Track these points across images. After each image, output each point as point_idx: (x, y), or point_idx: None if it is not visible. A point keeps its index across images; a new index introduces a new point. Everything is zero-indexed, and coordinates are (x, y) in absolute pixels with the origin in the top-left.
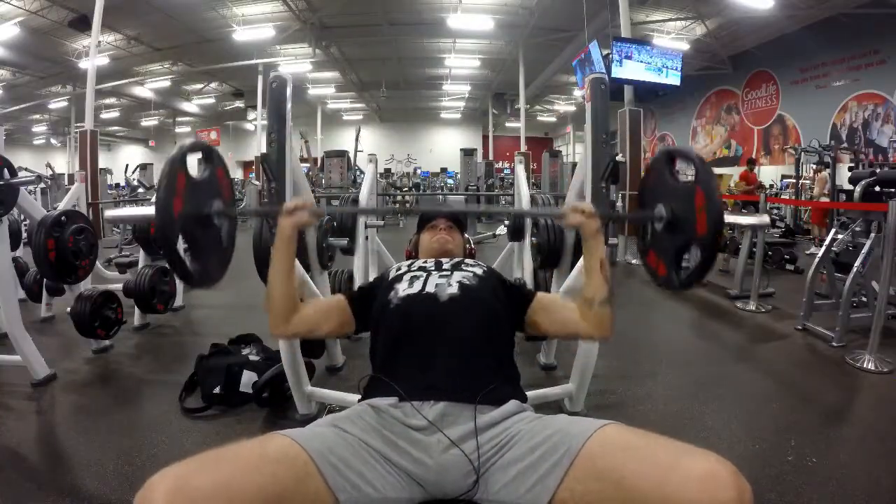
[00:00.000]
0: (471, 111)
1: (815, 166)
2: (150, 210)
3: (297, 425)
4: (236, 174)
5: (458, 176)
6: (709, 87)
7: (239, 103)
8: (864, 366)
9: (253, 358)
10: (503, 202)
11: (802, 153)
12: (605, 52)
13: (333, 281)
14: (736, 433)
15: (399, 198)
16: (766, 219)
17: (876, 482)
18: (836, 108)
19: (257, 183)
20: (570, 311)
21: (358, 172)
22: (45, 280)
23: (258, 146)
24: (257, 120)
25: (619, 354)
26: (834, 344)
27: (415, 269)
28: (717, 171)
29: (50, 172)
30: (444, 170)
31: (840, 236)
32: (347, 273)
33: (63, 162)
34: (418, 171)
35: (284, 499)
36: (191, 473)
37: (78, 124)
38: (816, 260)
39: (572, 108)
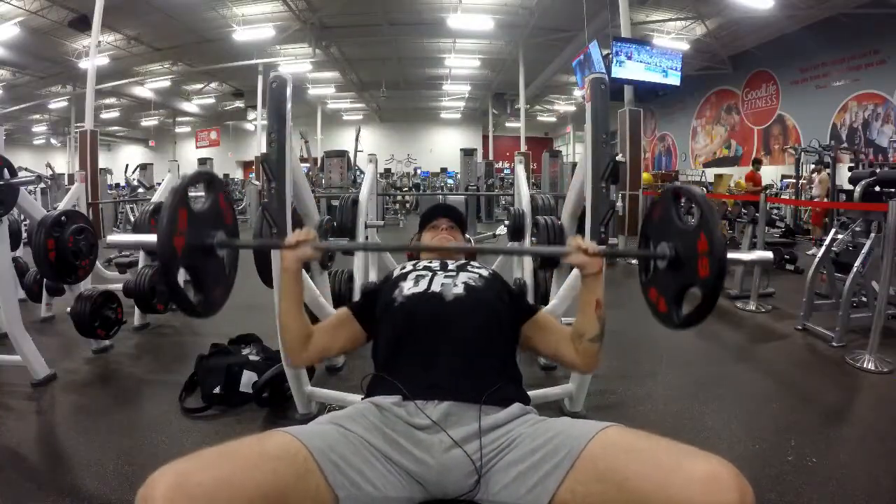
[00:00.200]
0: (471, 111)
1: (813, 166)
2: (152, 237)
3: (298, 425)
4: (236, 174)
5: (458, 176)
6: (709, 87)
7: (239, 103)
8: (864, 366)
9: (253, 358)
10: (503, 202)
11: (802, 153)
12: (605, 52)
13: (333, 281)
14: (736, 433)
15: (399, 198)
16: (769, 255)
17: (876, 482)
18: (836, 108)
19: (257, 183)
20: (564, 337)
21: (358, 172)
22: (45, 280)
23: (258, 146)
24: (257, 120)
25: (619, 354)
26: (834, 344)
27: (420, 268)
28: (717, 171)
29: (50, 172)
30: (444, 170)
31: (840, 236)
32: (347, 273)
33: (63, 162)
34: (418, 171)
35: (285, 495)
36: (191, 470)
37: (78, 124)
38: (816, 260)
39: (572, 108)
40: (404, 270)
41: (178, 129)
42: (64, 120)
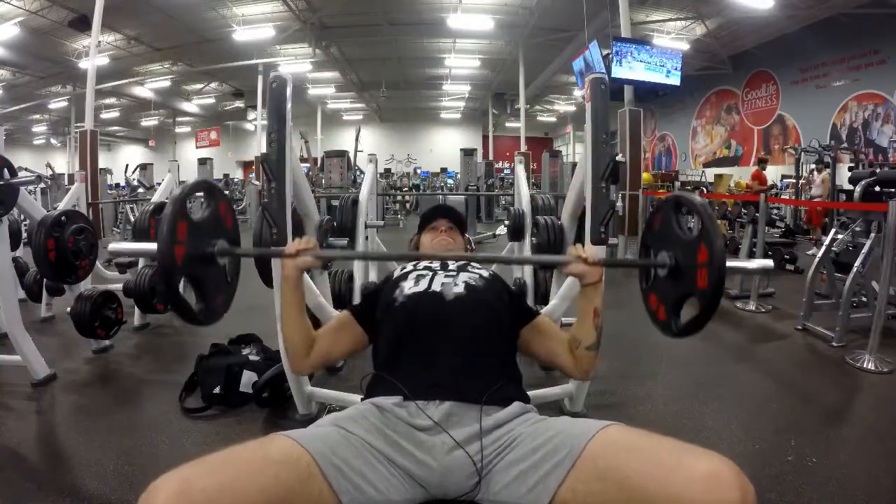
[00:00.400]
0: (471, 111)
1: (813, 165)
2: (153, 246)
3: (298, 426)
4: (236, 174)
5: (458, 176)
6: (709, 87)
7: (239, 103)
8: (864, 366)
9: (253, 358)
10: (503, 202)
11: (802, 153)
12: (605, 52)
13: (333, 281)
14: (736, 433)
15: (399, 198)
16: (769, 263)
17: (876, 482)
18: (836, 108)
19: (257, 183)
20: (561, 343)
21: (358, 172)
22: (45, 280)
23: (258, 146)
24: (257, 120)
25: (619, 354)
26: (834, 344)
27: (421, 268)
28: (717, 171)
29: (50, 172)
30: (444, 170)
31: (840, 236)
32: (347, 273)
33: (63, 162)
34: (418, 171)
35: (287, 500)
36: (193, 476)
37: (78, 124)
38: (816, 260)
39: (572, 108)
40: (405, 270)
41: (178, 129)
42: (64, 120)
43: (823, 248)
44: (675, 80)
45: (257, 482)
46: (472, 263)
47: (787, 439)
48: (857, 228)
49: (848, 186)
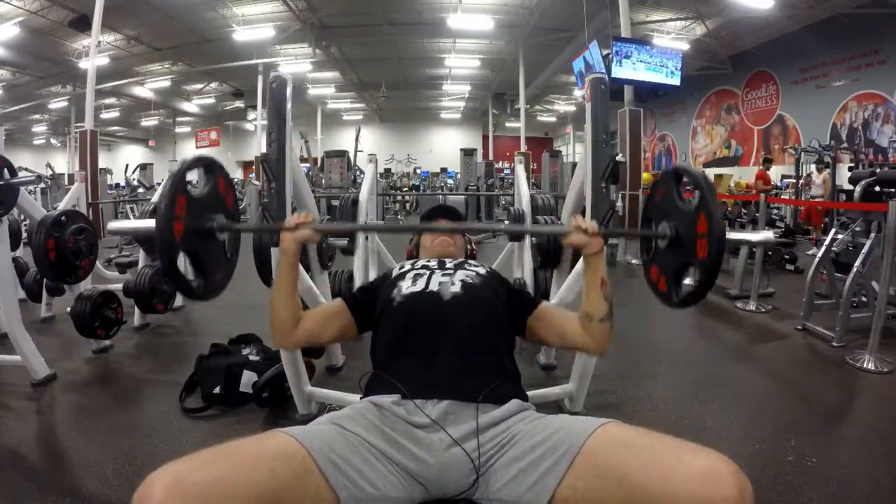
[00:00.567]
0: (471, 111)
1: (814, 166)
2: (152, 222)
3: (297, 425)
4: (236, 174)
5: (458, 176)
6: (709, 87)
7: (239, 103)
8: (864, 366)
9: (253, 358)
10: (503, 202)
11: (802, 153)
12: (605, 52)
13: (333, 281)
14: (736, 433)
15: (399, 198)
16: (769, 235)
17: (876, 482)
18: (836, 108)
19: (257, 183)
20: (571, 323)
21: (358, 172)
22: (45, 280)
23: (258, 146)
24: (257, 120)
25: (619, 354)
26: (834, 344)
27: (418, 267)
28: (717, 171)
29: (50, 172)
30: (444, 170)
31: (840, 236)
32: (347, 273)
33: (63, 162)
34: (418, 171)
35: (283, 495)
36: (188, 470)
37: (78, 124)
38: (816, 260)
39: (572, 108)
40: (403, 270)
41: (178, 129)
42: (64, 120)
43: (823, 248)
44: (675, 80)
45: (251, 477)
46: (470, 261)
47: (787, 439)
48: (857, 228)
49: (848, 186)
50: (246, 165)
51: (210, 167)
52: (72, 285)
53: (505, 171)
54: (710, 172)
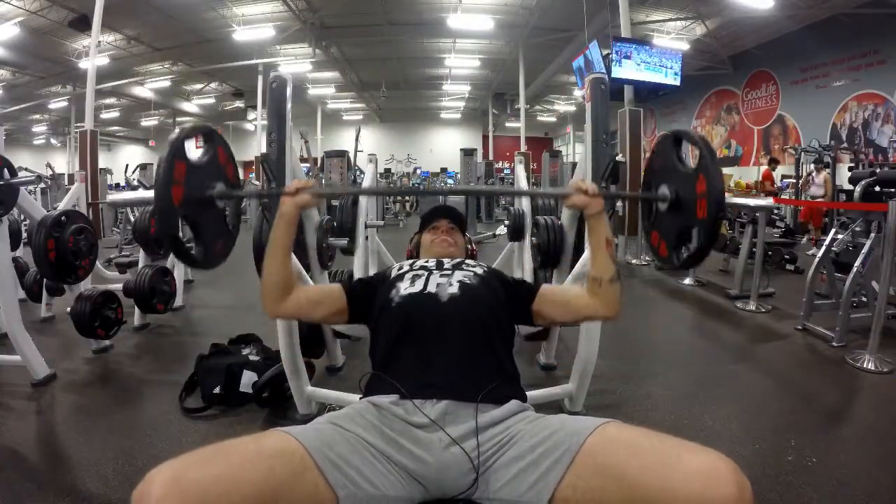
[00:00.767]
0: (471, 111)
1: (813, 165)
2: (151, 193)
3: (297, 425)
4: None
5: (458, 176)
6: (709, 87)
7: (239, 103)
8: (864, 366)
9: (253, 358)
10: (503, 202)
11: (802, 153)
12: (605, 52)
13: (333, 281)
14: (736, 433)
15: (399, 198)
16: (770, 201)
17: (876, 482)
18: (836, 108)
19: (257, 183)
20: (576, 295)
21: (358, 172)
22: (45, 280)
23: (258, 146)
24: (257, 120)
25: (619, 354)
26: (834, 344)
27: (417, 268)
28: None
29: (50, 172)
30: (444, 170)
31: (840, 236)
32: (347, 273)
33: (63, 162)
34: (418, 171)
35: (281, 493)
36: (188, 466)
37: (78, 124)
38: (816, 260)
39: (572, 108)
40: (402, 270)
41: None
42: (64, 120)
43: (823, 247)
44: (675, 80)
45: (250, 474)
46: (468, 261)
47: (787, 439)
48: (857, 228)
49: (848, 186)
50: (246, 165)
51: (209, 136)
52: (72, 285)
53: (505, 171)
54: None
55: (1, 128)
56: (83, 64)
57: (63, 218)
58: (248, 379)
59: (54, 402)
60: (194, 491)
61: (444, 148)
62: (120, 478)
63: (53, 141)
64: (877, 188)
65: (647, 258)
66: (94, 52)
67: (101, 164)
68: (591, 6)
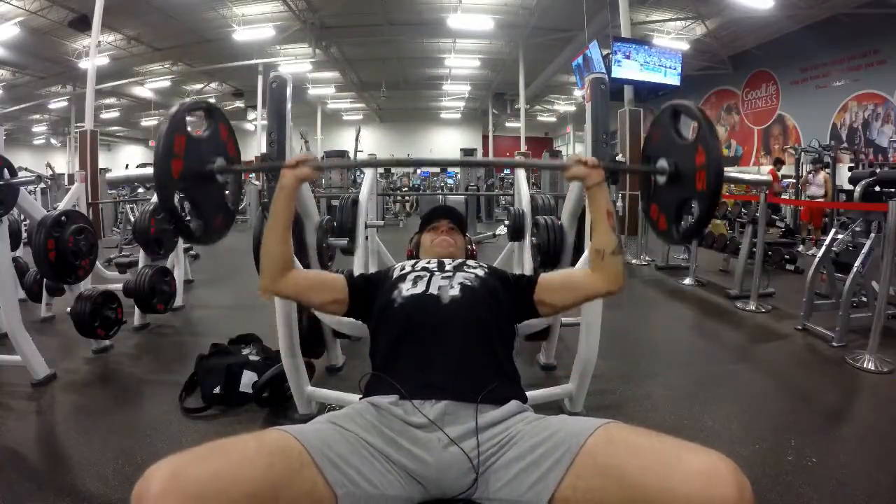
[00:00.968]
0: (471, 111)
1: (811, 166)
2: (150, 170)
3: (297, 424)
4: None
5: (458, 176)
6: (709, 87)
7: (239, 103)
8: (864, 366)
9: (253, 358)
10: (503, 202)
11: (802, 153)
12: (605, 52)
13: None
14: (736, 433)
15: (399, 198)
16: (768, 177)
17: (876, 482)
18: (836, 108)
19: (257, 183)
20: (576, 275)
21: (358, 172)
22: (45, 280)
23: (258, 146)
24: (257, 120)
25: (619, 354)
26: (834, 344)
27: (418, 269)
28: None
29: (50, 172)
30: (444, 170)
31: (840, 236)
32: (348, 272)
33: (63, 162)
34: (418, 172)
35: (280, 490)
36: (187, 463)
37: (78, 124)
38: (816, 260)
39: (572, 108)
40: (403, 271)
41: None
42: (64, 120)
43: (823, 247)
44: (674, 79)
45: (249, 471)
46: (469, 262)
47: (787, 439)
48: (857, 228)
49: (848, 186)
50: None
51: (211, 111)
52: (72, 285)
53: (505, 171)
54: None
55: (1, 128)
56: (83, 64)
57: (63, 218)
58: (248, 379)
59: (54, 402)
60: (193, 487)
61: (444, 148)
62: (120, 478)
63: (53, 141)
64: (877, 188)
65: (648, 258)
66: (94, 52)
67: (101, 164)
68: (591, 6)
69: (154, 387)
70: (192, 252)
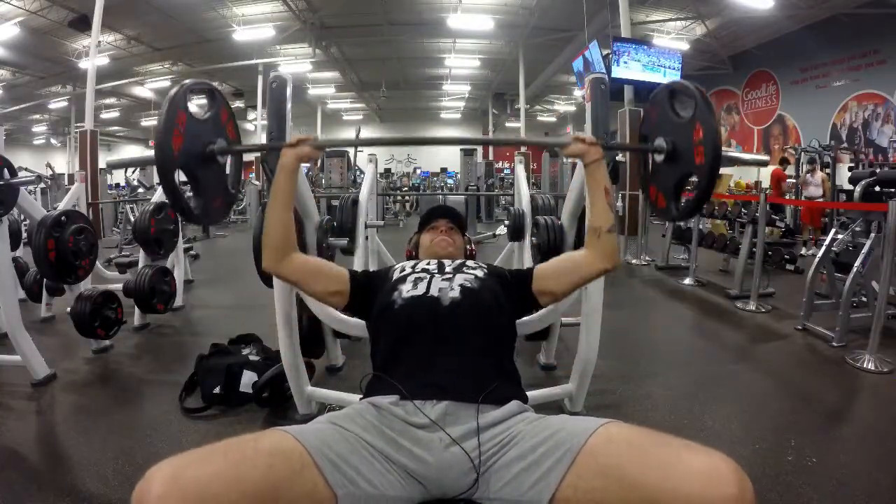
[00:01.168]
0: (471, 111)
1: (807, 166)
2: (151, 153)
3: (297, 425)
4: None
5: (458, 176)
6: (709, 87)
7: (239, 103)
8: (864, 366)
9: (253, 358)
10: (503, 202)
11: (802, 153)
12: (605, 52)
13: None
14: (736, 433)
15: (399, 198)
16: (766, 157)
17: (876, 482)
18: (836, 108)
19: (257, 183)
20: (570, 260)
21: (358, 172)
22: (45, 280)
23: None
24: (257, 120)
25: (619, 354)
26: (834, 344)
27: (418, 270)
28: None
29: (50, 172)
30: (444, 170)
31: (840, 236)
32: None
33: (63, 162)
34: (418, 171)
35: (280, 491)
36: (187, 464)
37: (78, 124)
38: (816, 260)
39: (572, 108)
40: (403, 273)
41: None
42: (64, 120)
43: (823, 247)
44: (674, 79)
45: (249, 472)
46: (468, 263)
47: (787, 439)
48: (857, 228)
49: (848, 186)
50: (246, 165)
51: (212, 94)
52: (72, 285)
53: (505, 171)
54: None
55: (1, 128)
56: (83, 64)
57: (63, 218)
58: (248, 379)
59: (54, 402)
60: (193, 488)
61: (443, 147)
62: (120, 478)
63: (53, 141)
64: (877, 188)
65: (648, 258)
66: (94, 52)
67: (101, 164)
68: (591, 6)
69: (154, 387)
70: (192, 252)
